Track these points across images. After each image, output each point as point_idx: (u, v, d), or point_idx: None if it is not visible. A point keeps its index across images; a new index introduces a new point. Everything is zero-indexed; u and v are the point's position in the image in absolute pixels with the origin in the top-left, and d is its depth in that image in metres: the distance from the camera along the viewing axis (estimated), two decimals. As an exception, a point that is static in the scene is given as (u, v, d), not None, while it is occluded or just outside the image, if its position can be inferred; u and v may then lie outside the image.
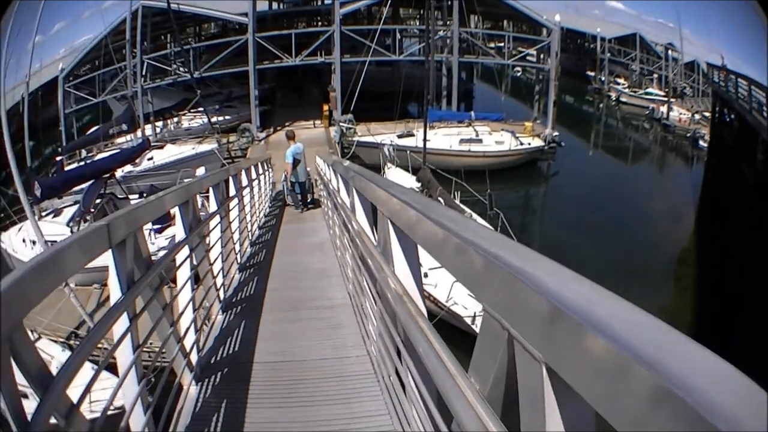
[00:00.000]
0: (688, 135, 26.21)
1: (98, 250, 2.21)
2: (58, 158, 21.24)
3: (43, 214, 15.79)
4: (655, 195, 21.06)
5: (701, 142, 24.97)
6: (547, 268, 1.05)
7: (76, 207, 16.18)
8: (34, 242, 14.81)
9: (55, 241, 11.86)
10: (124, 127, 21.31)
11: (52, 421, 1.61)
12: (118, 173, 17.50)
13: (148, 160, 20.62)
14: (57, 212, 16.71)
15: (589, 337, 0.79)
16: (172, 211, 4.04)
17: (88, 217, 14.96)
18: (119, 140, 22.38)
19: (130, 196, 17.07)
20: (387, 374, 3.08)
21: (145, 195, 16.30)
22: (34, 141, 19.85)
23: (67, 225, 15.38)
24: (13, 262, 15.49)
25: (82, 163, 20.97)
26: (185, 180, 17.03)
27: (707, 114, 26.30)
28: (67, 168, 20.21)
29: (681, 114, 27.74)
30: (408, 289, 2.30)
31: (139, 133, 23.37)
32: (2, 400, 1.39)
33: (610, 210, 18.24)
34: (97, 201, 15.65)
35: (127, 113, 21.76)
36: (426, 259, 2.20)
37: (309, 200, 12.24)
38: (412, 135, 21.15)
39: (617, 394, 0.73)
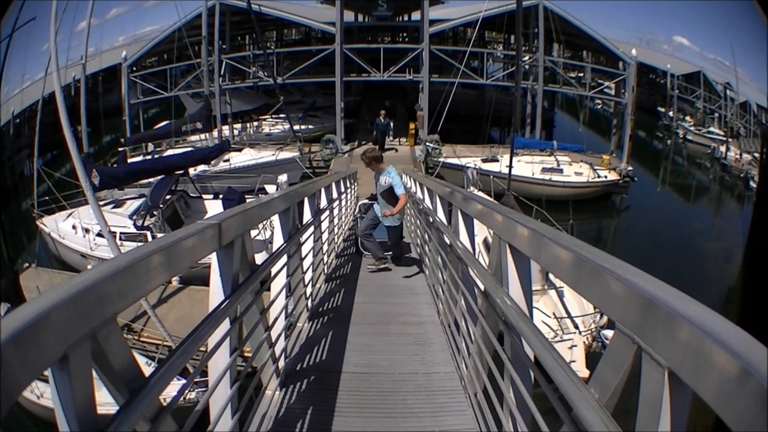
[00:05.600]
0: (742, 175, 26.13)
1: (207, 249, 2.19)
2: (121, 149, 21.51)
3: (101, 203, 14.99)
4: (710, 235, 22.21)
5: (751, 183, 24.91)
6: (669, 291, 1.21)
7: (140, 201, 16.00)
8: (86, 230, 14.65)
9: (115, 233, 11.39)
10: (199, 125, 21.50)
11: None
12: (191, 171, 17.29)
13: (224, 161, 20.80)
14: (119, 204, 16.79)
15: (711, 347, 0.96)
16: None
17: (155, 212, 14.70)
18: (192, 138, 22.44)
19: (204, 196, 16.83)
20: (477, 391, 3.22)
21: (221, 196, 16.00)
22: (90, 127, 19.85)
23: (130, 218, 15.29)
24: (58, 247, 15.37)
25: (149, 157, 21.05)
26: (271, 186, 16.74)
27: (757, 155, 26.38)
28: (131, 160, 20.25)
29: (736, 154, 27.60)
30: (524, 310, 2.40)
31: (215, 133, 23.43)
32: (71, 404, 1.22)
33: (671, 248, 18.75)
34: (167, 197, 15.40)
35: (203, 112, 22.08)
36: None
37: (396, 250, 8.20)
38: (496, 160, 21.39)
39: (732, 395, 0.91)
